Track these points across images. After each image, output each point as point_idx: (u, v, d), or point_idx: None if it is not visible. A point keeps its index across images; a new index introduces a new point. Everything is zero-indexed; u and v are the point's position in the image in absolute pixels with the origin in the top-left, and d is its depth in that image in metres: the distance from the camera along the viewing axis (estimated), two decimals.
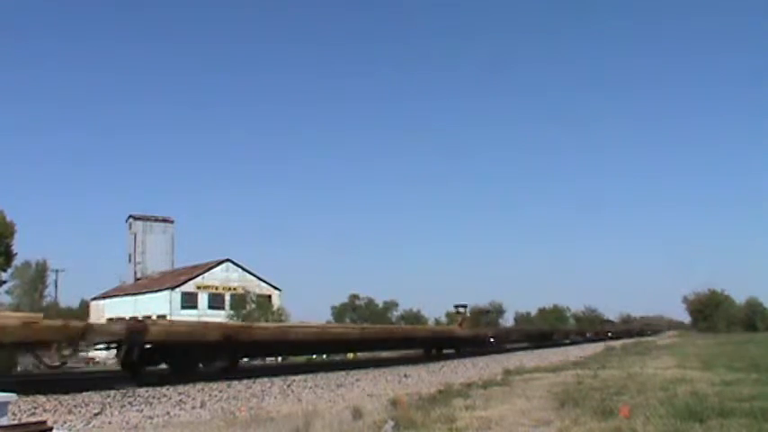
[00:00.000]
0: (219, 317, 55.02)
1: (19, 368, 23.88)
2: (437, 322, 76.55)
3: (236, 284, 65.54)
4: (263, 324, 35.44)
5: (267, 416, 10.69)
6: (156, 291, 65.25)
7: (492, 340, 40.02)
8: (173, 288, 63.58)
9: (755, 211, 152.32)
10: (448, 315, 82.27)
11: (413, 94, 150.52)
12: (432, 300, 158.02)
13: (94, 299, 74.01)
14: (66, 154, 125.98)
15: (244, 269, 67.44)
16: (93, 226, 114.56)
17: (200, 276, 65.72)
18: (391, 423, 8.43)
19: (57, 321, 16.01)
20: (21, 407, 10.88)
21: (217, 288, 65.69)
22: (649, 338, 61.75)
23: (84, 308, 73.45)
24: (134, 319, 22.87)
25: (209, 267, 66.76)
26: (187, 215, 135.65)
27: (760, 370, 14.65)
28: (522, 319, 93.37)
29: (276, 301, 63.32)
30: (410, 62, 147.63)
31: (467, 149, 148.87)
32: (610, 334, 66.54)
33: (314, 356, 35.81)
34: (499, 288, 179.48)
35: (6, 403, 6.81)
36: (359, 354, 34.74)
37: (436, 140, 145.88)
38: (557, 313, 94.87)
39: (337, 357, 34.87)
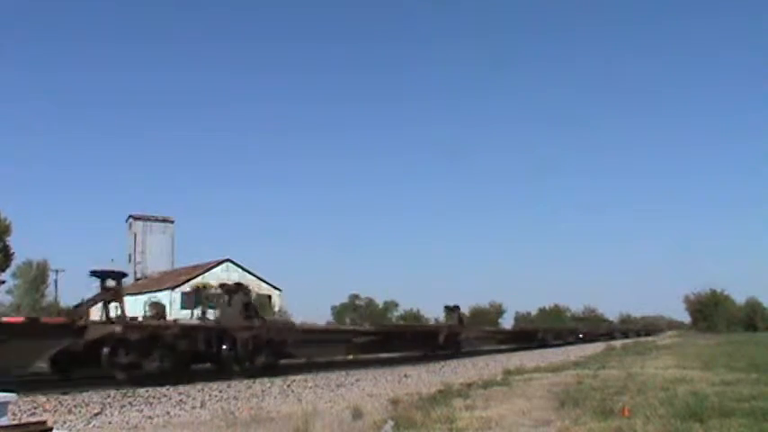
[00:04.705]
0: None
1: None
2: (437, 322, 76.45)
3: None
4: None
5: (267, 416, 10.69)
6: (156, 291, 65.20)
7: None
8: (173, 288, 63.54)
9: (756, 211, 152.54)
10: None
11: (413, 94, 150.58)
12: (432, 300, 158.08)
13: None
14: (67, 154, 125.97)
15: (244, 269, 67.38)
16: (93, 226, 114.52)
17: (200, 276, 65.67)
18: (391, 423, 8.44)
19: None
20: (21, 407, 10.87)
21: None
22: (649, 338, 61.71)
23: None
24: None
25: (209, 267, 66.71)
26: (187, 215, 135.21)
27: (760, 370, 14.67)
28: (522, 319, 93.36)
29: (276, 301, 63.31)
30: (410, 62, 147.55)
31: (467, 149, 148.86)
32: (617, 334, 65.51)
33: None
34: (499, 288, 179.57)
35: (6, 403, 6.80)
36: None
37: (436, 140, 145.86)
38: (557, 313, 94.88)
39: None
